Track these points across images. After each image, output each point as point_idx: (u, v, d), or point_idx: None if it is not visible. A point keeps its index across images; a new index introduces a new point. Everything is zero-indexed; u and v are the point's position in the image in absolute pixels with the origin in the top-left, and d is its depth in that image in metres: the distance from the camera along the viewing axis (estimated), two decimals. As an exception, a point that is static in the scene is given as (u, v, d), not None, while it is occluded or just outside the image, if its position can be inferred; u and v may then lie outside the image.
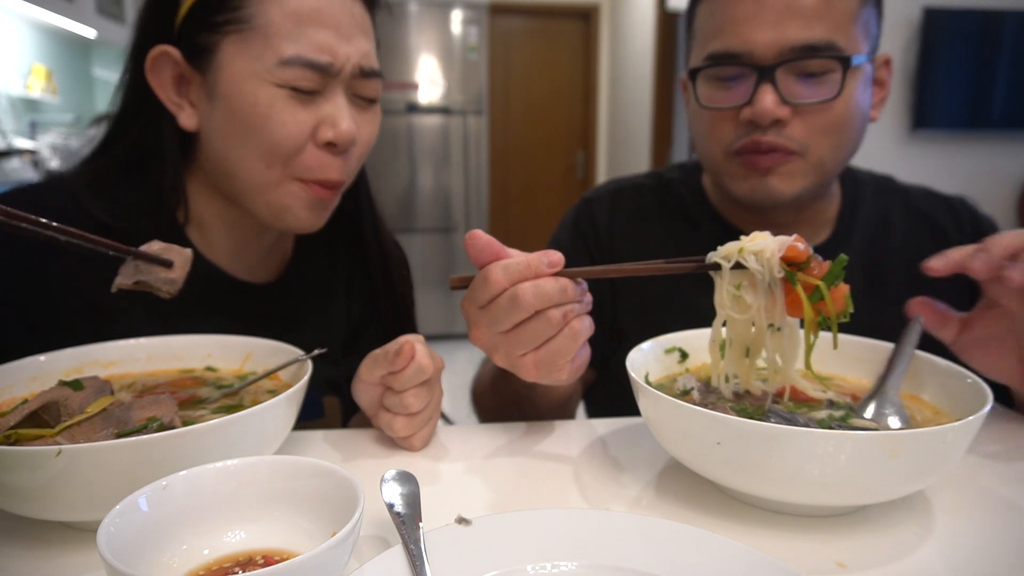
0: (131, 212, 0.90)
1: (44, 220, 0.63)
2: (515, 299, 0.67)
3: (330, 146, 0.88)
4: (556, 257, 0.69)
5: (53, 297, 0.88)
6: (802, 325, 0.71)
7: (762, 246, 0.70)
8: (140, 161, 0.93)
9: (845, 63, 0.95)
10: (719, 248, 0.73)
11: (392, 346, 0.76)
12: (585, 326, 0.71)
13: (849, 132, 1.00)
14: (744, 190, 1.02)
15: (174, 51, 0.88)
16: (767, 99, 0.94)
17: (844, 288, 0.69)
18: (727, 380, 0.76)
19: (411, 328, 1.14)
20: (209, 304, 0.95)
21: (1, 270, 0.87)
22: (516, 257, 0.70)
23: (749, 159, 0.99)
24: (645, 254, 1.15)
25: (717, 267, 0.72)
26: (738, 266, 0.71)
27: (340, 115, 0.87)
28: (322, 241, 1.09)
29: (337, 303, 1.10)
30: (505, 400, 1.01)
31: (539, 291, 0.68)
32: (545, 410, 0.97)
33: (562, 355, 0.71)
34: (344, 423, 1.07)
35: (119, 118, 0.95)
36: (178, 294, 0.83)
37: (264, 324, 0.96)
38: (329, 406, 1.03)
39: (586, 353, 0.75)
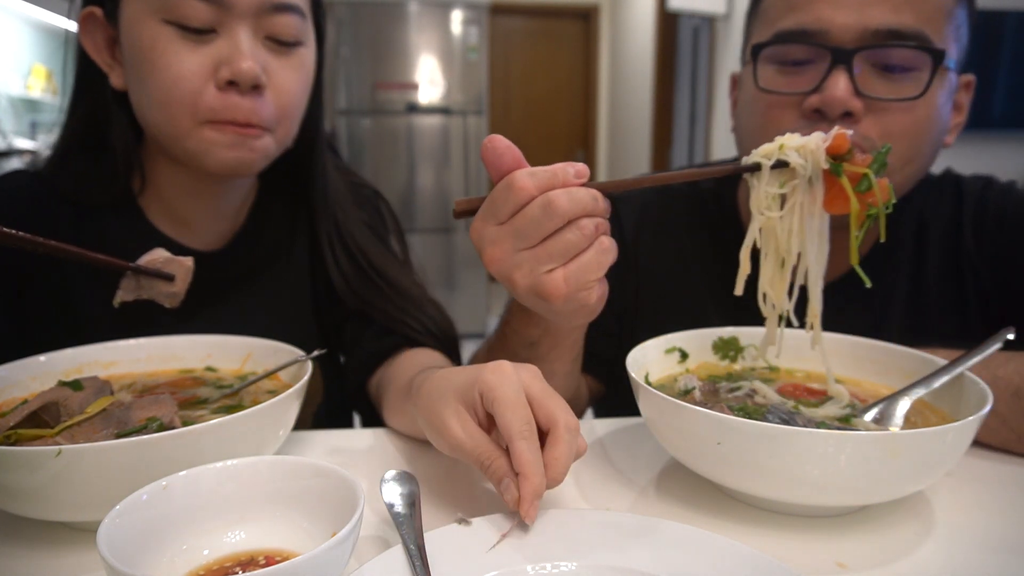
0: (89, 183, 0.91)
1: (41, 239, 0.63)
2: (548, 206, 0.60)
3: (233, 86, 0.82)
4: (582, 167, 0.63)
5: (21, 291, 0.90)
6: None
7: (804, 141, 0.69)
8: (100, 134, 0.92)
9: (937, 57, 0.84)
10: (755, 150, 0.71)
11: None
12: (613, 244, 0.66)
13: (925, 146, 0.89)
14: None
15: (98, 11, 0.86)
16: (840, 84, 0.83)
17: (885, 180, 0.68)
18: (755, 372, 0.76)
19: (412, 288, 1.06)
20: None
21: None
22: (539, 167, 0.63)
23: None
24: (669, 268, 1.08)
25: (756, 167, 0.70)
26: (779, 165, 0.69)
27: (237, 52, 0.81)
28: (278, 208, 1.05)
29: (296, 274, 1.05)
30: None
31: (573, 197, 0.61)
32: (551, 382, 0.89)
33: (592, 271, 0.64)
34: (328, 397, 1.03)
35: (72, 94, 0.93)
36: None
37: (207, 291, 0.92)
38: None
39: (605, 287, 0.69)
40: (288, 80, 0.87)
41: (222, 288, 0.98)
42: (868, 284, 0.73)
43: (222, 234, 1.01)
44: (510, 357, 0.83)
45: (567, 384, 0.91)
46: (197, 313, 0.89)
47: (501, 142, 0.62)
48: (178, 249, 0.93)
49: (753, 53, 0.91)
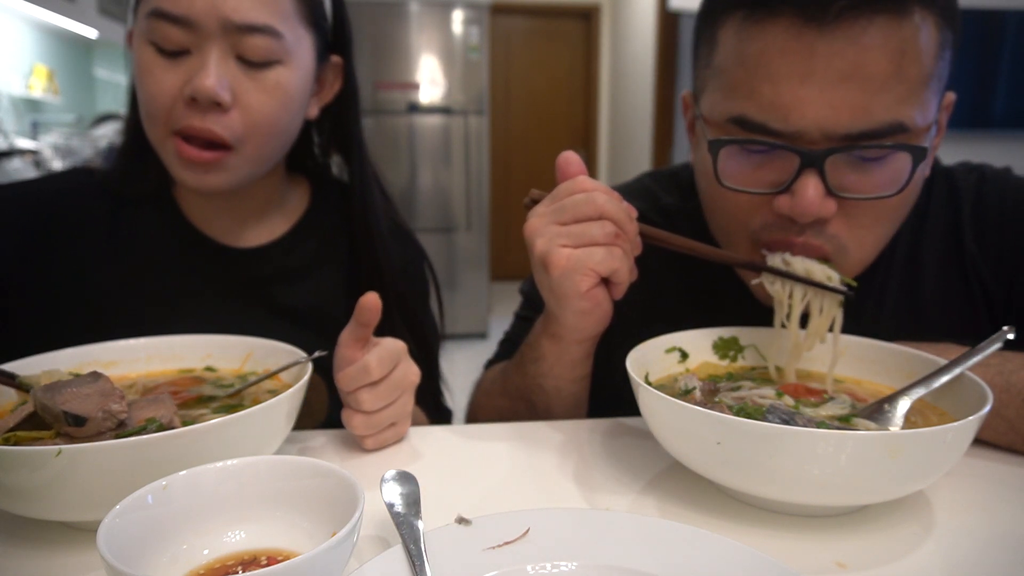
0: (131, 177, 1.00)
1: None
2: (590, 197, 0.76)
3: (195, 102, 0.86)
4: (633, 209, 0.80)
5: (51, 289, 0.95)
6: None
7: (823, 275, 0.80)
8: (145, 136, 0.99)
9: (918, 155, 0.76)
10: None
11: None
12: (619, 256, 0.78)
13: (899, 220, 0.85)
14: (760, 292, 0.85)
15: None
16: (809, 190, 0.75)
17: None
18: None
19: (422, 349, 1.10)
20: (187, 264, 1.01)
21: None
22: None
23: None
24: (646, 308, 0.96)
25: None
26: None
27: (201, 70, 0.85)
28: (327, 222, 1.10)
29: (332, 289, 1.08)
30: (515, 397, 0.96)
31: (611, 200, 0.77)
32: (556, 403, 0.92)
33: (594, 262, 0.76)
34: (332, 408, 1.05)
35: (129, 101, 1.01)
36: (159, 255, 0.98)
37: (242, 288, 1.01)
38: (314, 384, 1.03)
39: (605, 296, 0.81)
40: (257, 100, 0.89)
41: (250, 286, 1.03)
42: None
43: (265, 234, 1.05)
44: (517, 369, 0.95)
45: (574, 405, 0.94)
46: (218, 306, 0.99)
47: (573, 156, 0.81)
48: (203, 242, 1.02)
49: (711, 149, 0.81)
